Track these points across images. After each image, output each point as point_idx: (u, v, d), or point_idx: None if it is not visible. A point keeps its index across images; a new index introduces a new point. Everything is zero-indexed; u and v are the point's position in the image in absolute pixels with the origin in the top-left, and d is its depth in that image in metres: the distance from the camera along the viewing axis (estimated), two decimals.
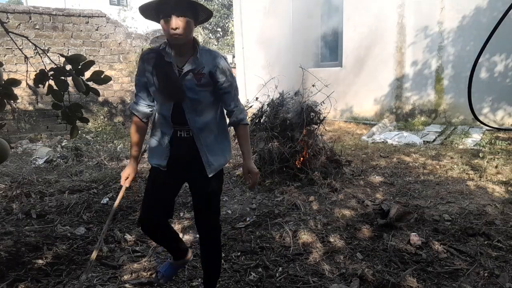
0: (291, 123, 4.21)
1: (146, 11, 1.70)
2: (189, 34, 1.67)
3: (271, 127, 4.20)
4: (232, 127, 1.95)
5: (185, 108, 1.77)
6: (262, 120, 4.40)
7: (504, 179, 4.08)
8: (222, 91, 1.81)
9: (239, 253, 2.64)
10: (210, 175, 1.85)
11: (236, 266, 2.47)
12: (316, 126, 4.40)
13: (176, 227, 3.07)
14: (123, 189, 2.02)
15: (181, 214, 3.37)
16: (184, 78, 1.74)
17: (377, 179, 4.27)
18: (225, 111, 1.93)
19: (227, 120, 1.92)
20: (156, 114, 1.89)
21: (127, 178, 1.96)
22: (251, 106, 4.43)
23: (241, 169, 4.36)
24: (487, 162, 4.70)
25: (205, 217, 1.96)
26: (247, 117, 1.84)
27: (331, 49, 8.83)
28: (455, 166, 4.67)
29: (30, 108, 7.31)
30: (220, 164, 1.89)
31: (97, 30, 7.86)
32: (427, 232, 2.88)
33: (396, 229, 2.92)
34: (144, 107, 1.89)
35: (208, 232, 1.99)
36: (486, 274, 2.30)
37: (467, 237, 2.78)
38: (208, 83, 1.76)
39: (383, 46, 7.97)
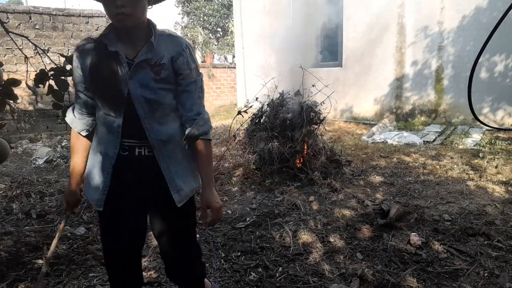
0: (291, 123, 4.21)
1: None
2: (140, 14, 1.28)
3: (271, 127, 4.20)
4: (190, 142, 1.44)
5: (140, 113, 1.32)
6: (262, 120, 4.41)
7: (504, 179, 4.08)
8: (182, 87, 1.37)
9: (239, 253, 2.64)
10: (179, 204, 1.42)
11: (236, 266, 2.47)
12: (316, 126, 4.41)
13: None
14: (66, 217, 1.63)
15: None
16: (137, 72, 1.31)
17: (377, 179, 4.27)
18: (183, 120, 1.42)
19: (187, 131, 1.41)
20: (98, 126, 1.42)
21: (69, 204, 1.56)
22: (251, 106, 4.43)
23: (241, 169, 4.36)
24: (487, 162, 4.70)
25: (180, 256, 1.55)
26: (210, 129, 1.45)
27: (331, 49, 8.83)
28: (455, 166, 4.67)
29: (30, 108, 7.31)
30: (192, 189, 1.47)
31: (97, 30, 7.86)
32: (427, 232, 2.88)
33: (396, 229, 2.92)
34: (83, 116, 1.45)
35: (184, 269, 1.58)
36: (486, 274, 2.30)
37: (467, 237, 2.78)
38: (170, 77, 1.35)
39: (383, 46, 7.97)
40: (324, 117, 4.41)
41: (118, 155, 1.37)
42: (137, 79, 1.31)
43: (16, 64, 7.08)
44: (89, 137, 1.49)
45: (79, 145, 1.50)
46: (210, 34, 20.22)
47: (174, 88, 1.37)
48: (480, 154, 5.08)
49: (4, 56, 6.95)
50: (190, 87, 1.38)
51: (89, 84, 1.35)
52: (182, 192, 1.42)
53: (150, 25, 1.35)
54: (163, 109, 1.36)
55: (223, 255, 2.62)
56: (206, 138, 1.42)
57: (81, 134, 1.48)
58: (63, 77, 2.10)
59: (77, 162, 1.51)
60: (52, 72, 2.08)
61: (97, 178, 1.41)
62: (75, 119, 1.45)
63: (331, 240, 2.81)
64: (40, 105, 7.39)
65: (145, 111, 1.33)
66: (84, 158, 1.51)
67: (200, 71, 1.45)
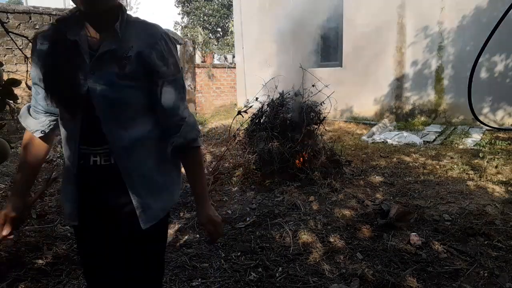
0: (291, 123, 4.21)
1: None
2: None
3: (271, 127, 4.20)
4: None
5: (100, 116, 1.09)
6: (262, 120, 4.41)
7: (504, 179, 4.08)
8: (159, 88, 1.14)
9: (239, 253, 2.64)
10: (145, 226, 1.16)
11: (236, 266, 2.47)
12: (316, 126, 4.41)
13: (176, 227, 3.07)
14: None
15: (181, 214, 3.37)
16: (98, 66, 1.08)
17: (377, 179, 4.27)
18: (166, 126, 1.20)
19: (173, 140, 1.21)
20: (60, 129, 1.21)
21: (4, 222, 1.21)
22: (251, 106, 4.43)
23: (241, 169, 4.36)
24: (487, 162, 4.70)
25: None
26: (199, 134, 1.25)
27: (331, 49, 8.83)
28: (455, 166, 4.67)
29: None
30: (164, 207, 1.22)
31: None
32: (427, 232, 2.88)
33: (396, 229, 2.92)
34: (39, 114, 1.23)
35: None
36: (486, 274, 2.30)
37: (467, 237, 2.78)
38: (137, 73, 1.10)
39: (383, 46, 7.97)
40: (324, 117, 4.41)
41: (79, 164, 1.16)
42: (98, 75, 1.07)
43: (16, 64, 7.08)
44: (44, 139, 1.26)
45: (31, 148, 1.24)
46: (210, 34, 20.22)
47: (144, 85, 1.12)
48: (480, 154, 5.08)
49: (4, 56, 6.95)
50: (169, 87, 1.15)
51: (43, 80, 1.13)
52: (150, 211, 1.16)
53: (119, 9, 1.11)
54: (129, 111, 1.12)
55: (223, 255, 2.62)
56: (195, 145, 1.22)
57: (34, 135, 1.24)
58: None
59: (25, 170, 1.24)
60: None
61: (67, 189, 1.20)
62: (29, 118, 1.24)
63: (331, 240, 2.81)
64: None
65: (106, 113, 1.09)
66: (36, 166, 1.27)
67: (181, 66, 1.22)
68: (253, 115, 4.49)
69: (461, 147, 5.73)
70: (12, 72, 6.93)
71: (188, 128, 1.19)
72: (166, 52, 1.13)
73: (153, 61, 1.10)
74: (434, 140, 6.34)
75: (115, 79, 1.08)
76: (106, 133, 1.10)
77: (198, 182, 1.26)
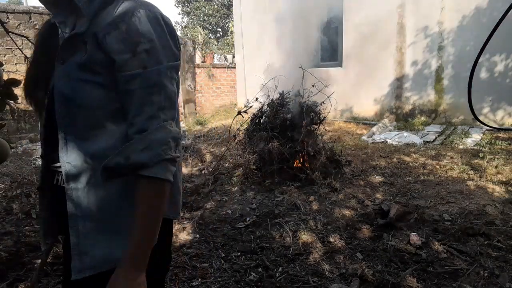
0: (291, 123, 4.21)
1: None
2: None
3: (271, 127, 4.21)
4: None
5: (58, 119, 0.86)
6: (262, 120, 4.41)
7: (504, 179, 4.08)
8: (120, 85, 0.84)
9: (239, 253, 2.64)
10: (76, 277, 0.86)
11: (236, 266, 2.47)
12: (316, 126, 4.41)
13: (176, 227, 3.07)
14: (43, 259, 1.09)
15: (181, 214, 3.37)
16: (67, 54, 0.85)
17: (377, 179, 4.27)
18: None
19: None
20: None
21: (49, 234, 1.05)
22: (251, 106, 4.43)
23: (241, 169, 4.36)
24: (487, 162, 4.70)
25: None
26: (161, 159, 0.83)
27: (331, 49, 8.83)
28: (455, 166, 4.67)
29: (30, 108, 7.29)
30: (111, 258, 0.87)
31: None
32: (427, 232, 2.88)
33: (396, 229, 2.92)
34: None
35: None
36: (486, 274, 2.30)
37: (467, 237, 2.78)
38: (95, 63, 0.83)
39: (383, 46, 7.97)
40: (324, 117, 4.41)
41: (43, 184, 0.98)
42: (65, 65, 0.84)
43: (16, 64, 7.08)
44: None
45: None
46: (210, 34, 20.21)
47: (108, 81, 0.84)
48: (480, 154, 5.08)
49: (4, 56, 6.95)
50: (131, 84, 0.83)
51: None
52: (85, 258, 0.86)
53: None
54: (89, 115, 0.84)
55: (223, 255, 2.62)
56: (144, 174, 0.82)
57: None
58: None
59: None
60: None
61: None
62: None
63: (331, 240, 2.81)
64: None
65: (60, 115, 0.85)
66: None
67: (167, 56, 0.87)
68: (253, 115, 4.49)
69: (461, 147, 5.73)
70: (12, 72, 6.93)
71: (139, 145, 0.81)
72: (135, 33, 0.81)
73: (109, 44, 0.81)
74: (434, 140, 6.34)
75: (74, 71, 0.83)
76: (59, 142, 0.86)
77: (133, 232, 0.83)
